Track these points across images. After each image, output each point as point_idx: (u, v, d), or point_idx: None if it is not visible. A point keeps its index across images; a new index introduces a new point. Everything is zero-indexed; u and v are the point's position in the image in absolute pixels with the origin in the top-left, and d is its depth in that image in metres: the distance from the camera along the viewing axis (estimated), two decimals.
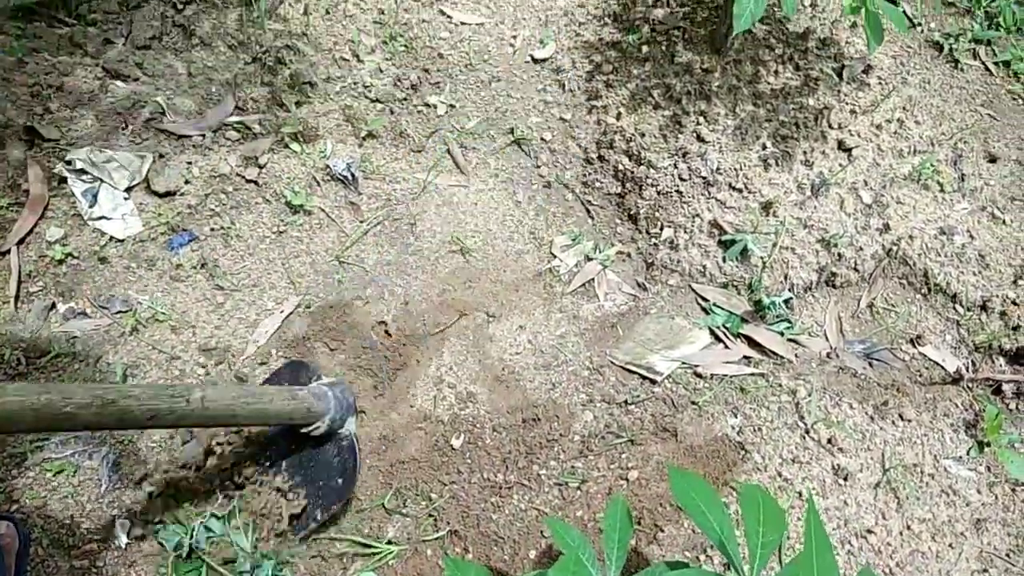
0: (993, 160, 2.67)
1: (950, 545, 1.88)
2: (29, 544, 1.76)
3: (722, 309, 2.34)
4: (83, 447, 1.93)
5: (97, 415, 1.27)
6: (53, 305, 2.13)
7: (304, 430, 1.79)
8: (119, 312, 2.15)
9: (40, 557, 1.77)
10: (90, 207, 2.24)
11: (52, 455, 1.89)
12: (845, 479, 1.95)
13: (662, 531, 1.83)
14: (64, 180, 2.26)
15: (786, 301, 2.34)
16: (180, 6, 2.57)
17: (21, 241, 2.18)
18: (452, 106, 2.68)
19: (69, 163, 2.26)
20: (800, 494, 1.91)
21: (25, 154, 2.27)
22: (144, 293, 2.19)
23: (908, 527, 1.89)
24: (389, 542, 1.89)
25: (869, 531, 1.86)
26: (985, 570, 1.86)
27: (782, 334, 2.30)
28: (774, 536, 1.22)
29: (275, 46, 2.57)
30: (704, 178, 2.40)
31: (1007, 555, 1.90)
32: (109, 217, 2.26)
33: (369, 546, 1.87)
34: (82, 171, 2.26)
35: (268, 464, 1.94)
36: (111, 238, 2.24)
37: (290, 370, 2.00)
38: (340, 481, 1.84)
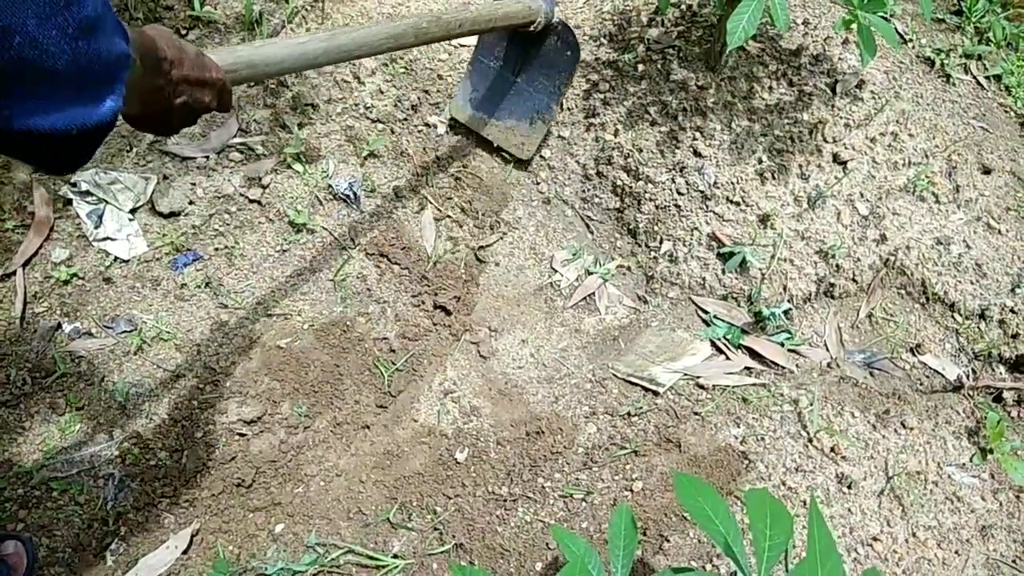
0: (987, 172, 2.71)
1: (956, 552, 1.89)
2: (36, 563, 1.76)
3: (722, 321, 2.36)
4: (88, 466, 1.94)
5: (440, 27, 1.85)
6: (58, 325, 2.15)
7: (531, 28, 2.24)
8: (124, 332, 2.17)
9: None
10: (95, 228, 2.27)
11: (58, 473, 1.90)
12: (849, 487, 1.95)
13: (668, 541, 1.84)
14: (69, 202, 2.29)
15: (786, 312, 2.35)
16: (183, 32, 2.62)
17: (27, 262, 2.20)
18: (452, 126, 2.72)
19: (74, 185, 2.29)
20: (805, 503, 1.91)
21: (31, 176, 2.30)
22: (149, 313, 2.21)
23: (914, 534, 1.90)
24: (395, 556, 1.89)
25: (875, 539, 1.87)
26: None
27: (782, 345, 2.32)
28: (781, 538, 1.23)
29: None
30: (702, 192, 2.43)
31: (1014, 561, 1.90)
32: (114, 238, 2.28)
33: (375, 559, 1.87)
34: (87, 193, 2.29)
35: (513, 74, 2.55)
36: (116, 259, 2.26)
37: None
38: (569, 54, 2.36)
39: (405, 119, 2.68)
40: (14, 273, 2.17)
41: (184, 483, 1.94)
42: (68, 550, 1.82)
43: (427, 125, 2.70)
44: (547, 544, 1.87)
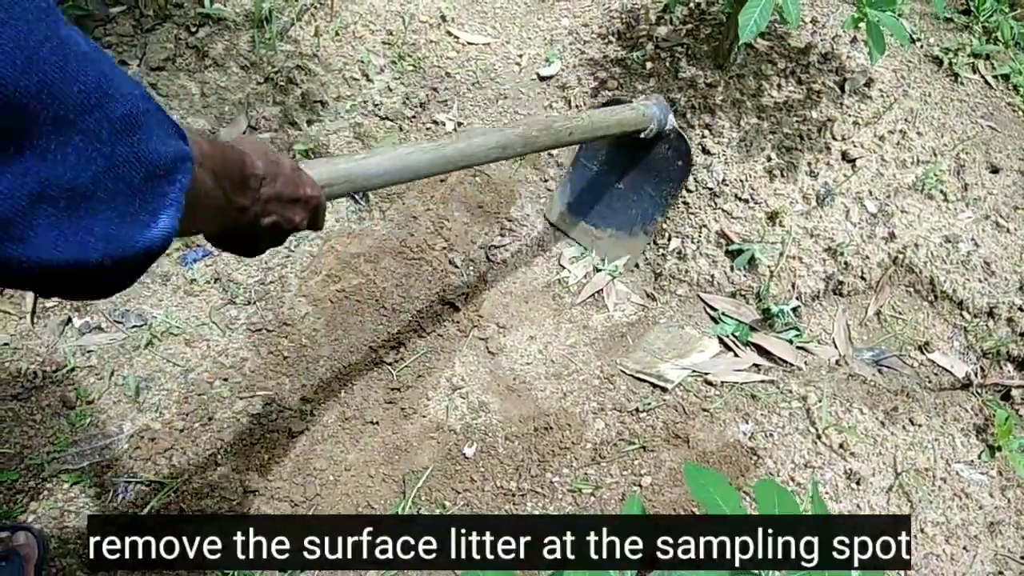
0: (995, 171, 2.70)
1: (964, 548, 1.88)
2: (48, 554, 1.77)
3: (731, 318, 2.36)
4: (99, 459, 1.95)
5: (550, 136, 1.79)
6: (69, 320, 2.16)
7: (642, 135, 2.16)
8: (134, 326, 2.18)
9: (58, 567, 1.77)
10: None
11: (69, 466, 1.91)
12: (858, 483, 1.95)
13: None
14: None
15: (794, 309, 2.35)
16: (193, 29, 2.63)
17: None
18: (460, 123, 2.73)
19: None
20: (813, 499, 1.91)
21: None
22: (159, 307, 2.22)
23: (922, 530, 1.90)
24: None
25: None
26: (1000, 572, 1.86)
27: (791, 342, 2.32)
28: None
29: (286, 67, 2.62)
30: (710, 189, 2.44)
31: (1022, 558, 1.90)
32: None
33: None
34: None
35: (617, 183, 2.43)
36: None
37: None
38: (680, 163, 2.26)
39: (414, 116, 2.69)
40: None
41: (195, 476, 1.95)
42: (80, 542, 1.83)
43: (435, 123, 2.71)
44: None
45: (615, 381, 2.23)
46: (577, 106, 2.72)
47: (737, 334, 2.33)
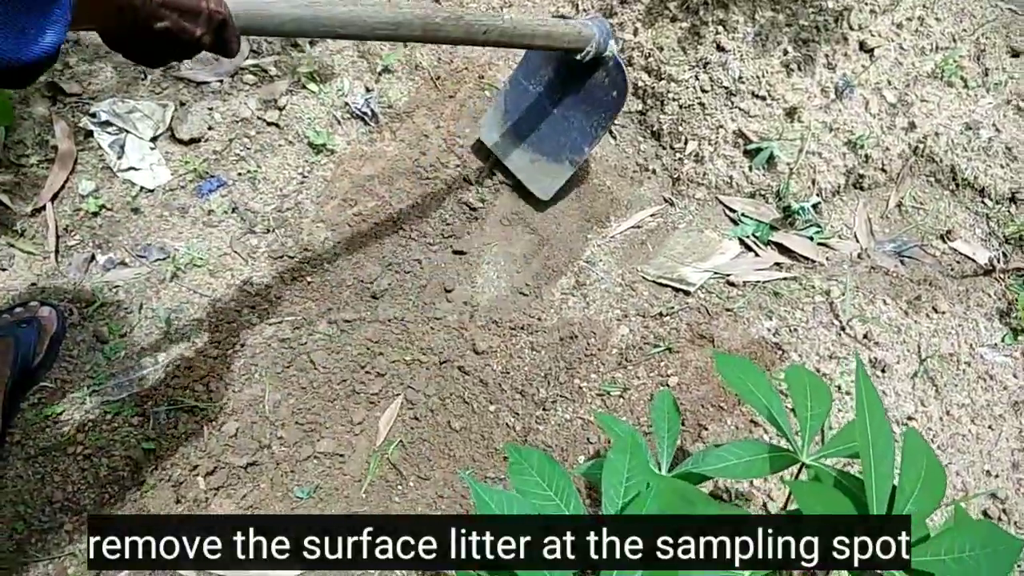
0: (1016, 55, 2.63)
1: (989, 427, 1.92)
2: (65, 331, 1.93)
3: (751, 218, 2.35)
4: (137, 389, 1.99)
5: (458, 28, 1.62)
6: (92, 257, 2.17)
7: (577, 56, 2.00)
8: (157, 260, 2.19)
9: (72, 352, 1.98)
10: (118, 158, 2.27)
11: (110, 397, 1.95)
12: (883, 371, 1.97)
13: (706, 429, 1.88)
14: (90, 134, 2.28)
15: (815, 206, 2.34)
16: None
17: (55, 196, 2.21)
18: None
19: (94, 116, 2.28)
20: (840, 387, 1.94)
21: (49, 110, 2.29)
22: (180, 240, 2.23)
23: (948, 412, 1.93)
24: None
25: (910, 418, 1.90)
26: None
27: (812, 239, 2.31)
28: (821, 408, 1.26)
29: None
30: (726, 88, 2.39)
31: None
32: (138, 167, 2.28)
33: None
34: (107, 123, 2.28)
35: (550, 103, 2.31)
36: (142, 188, 2.26)
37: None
38: (615, 94, 2.13)
39: None
40: (44, 208, 2.19)
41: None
42: (127, 470, 1.88)
43: None
44: (587, 439, 1.92)
45: (637, 288, 2.24)
46: (584, 10, 2.64)
47: (758, 234, 2.32)
